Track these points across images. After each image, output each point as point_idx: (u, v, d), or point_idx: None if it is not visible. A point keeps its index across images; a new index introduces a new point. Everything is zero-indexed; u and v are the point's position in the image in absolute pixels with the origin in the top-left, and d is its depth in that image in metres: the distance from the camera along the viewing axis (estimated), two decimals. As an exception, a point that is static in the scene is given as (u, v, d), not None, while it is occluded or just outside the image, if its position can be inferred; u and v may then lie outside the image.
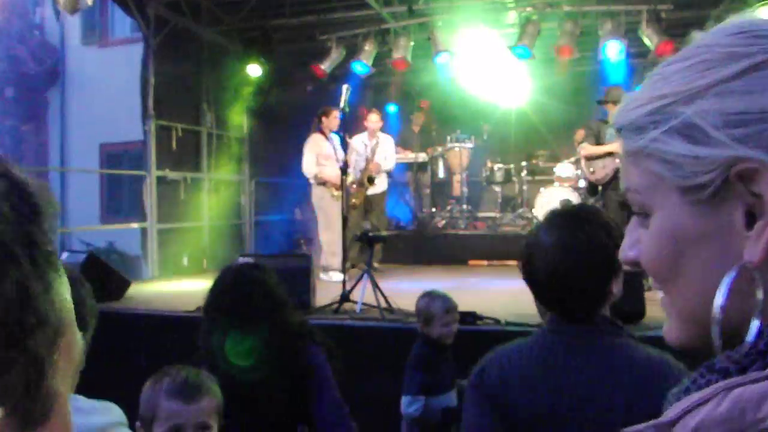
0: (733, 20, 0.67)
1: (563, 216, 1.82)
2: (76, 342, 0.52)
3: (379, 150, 8.57)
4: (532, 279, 1.79)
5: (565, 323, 1.75)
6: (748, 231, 0.61)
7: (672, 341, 0.72)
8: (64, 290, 0.50)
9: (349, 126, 7.25)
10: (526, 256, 1.80)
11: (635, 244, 0.72)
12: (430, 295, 3.77)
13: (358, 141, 8.63)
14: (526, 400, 1.71)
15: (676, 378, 1.58)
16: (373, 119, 8.76)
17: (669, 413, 0.57)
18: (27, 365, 0.45)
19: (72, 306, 0.51)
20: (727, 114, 0.61)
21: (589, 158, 7.01)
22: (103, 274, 6.21)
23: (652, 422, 0.58)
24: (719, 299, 0.62)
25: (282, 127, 10.68)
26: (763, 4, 8.14)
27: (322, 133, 8.04)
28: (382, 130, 9.05)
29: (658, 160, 0.65)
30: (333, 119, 8.08)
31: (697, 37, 0.69)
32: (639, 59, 10.37)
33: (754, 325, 0.61)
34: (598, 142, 6.90)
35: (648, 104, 0.66)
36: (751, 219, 0.61)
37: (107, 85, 14.41)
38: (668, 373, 1.64)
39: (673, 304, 0.69)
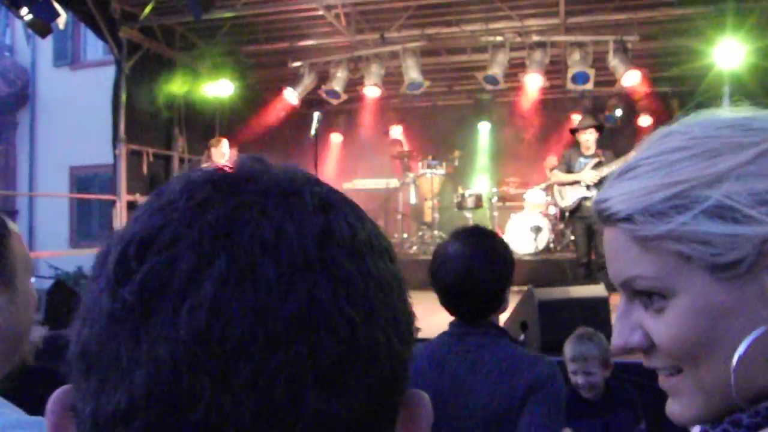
0: (713, 116, 0.75)
1: (467, 232, 2.15)
2: None
3: None
4: (439, 285, 2.08)
5: (459, 326, 2.07)
6: None
7: (689, 418, 0.75)
8: None
9: (319, 153, 7.29)
10: (434, 265, 2.09)
11: (636, 328, 0.74)
12: (574, 336, 3.28)
13: None
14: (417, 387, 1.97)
15: (534, 368, 1.96)
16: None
17: None
18: None
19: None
20: (755, 194, 0.67)
21: (558, 185, 7.21)
22: (71, 301, 6.14)
23: None
24: (740, 350, 0.67)
25: (254, 152, 10.63)
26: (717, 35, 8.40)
27: (214, 163, 8.12)
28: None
29: (688, 241, 0.69)
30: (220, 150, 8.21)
31: (670, 131, 0.75)
32: (606, 88, 10.57)
33: None
34: (569, 170, 7.07)
35: (661, 191, 0.70)
36: None
37: (78, 107, 14.32)
38: (529, 366, 1.98)
39: (698, 382, 0.72)
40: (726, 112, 0.75)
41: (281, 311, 0.39)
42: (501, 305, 2.11)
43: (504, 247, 2.14)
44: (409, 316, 0.47)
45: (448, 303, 2.11)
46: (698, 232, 0.68)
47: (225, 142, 8.37)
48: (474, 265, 2.02)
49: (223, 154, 8.27)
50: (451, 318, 2.14)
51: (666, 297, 0.71)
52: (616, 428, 3.08)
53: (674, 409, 0.76)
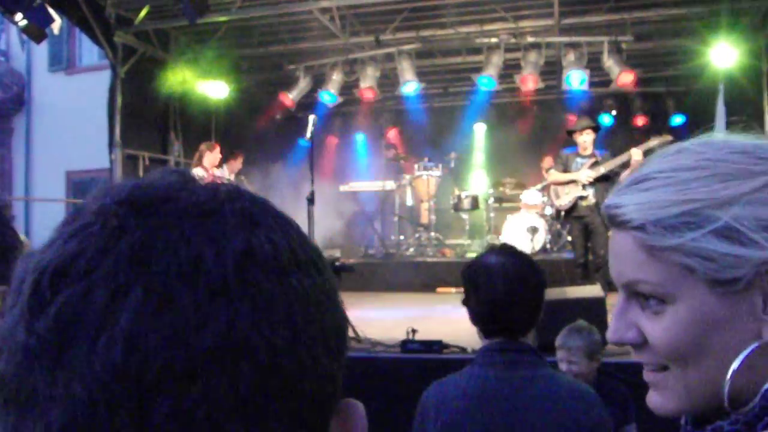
0: (726, 140, 0.80)
1: (503, 247, 2.10)
2: None
3: None
4: (485, 299, 1.98)
5: (496, 354, 1.96)
6: (766, 316, 0.74)
7: (668, 410, 0.81)
8: None
9: (316, 157, 7.30)
10: (477, 279, 2.00)
11: (631, 326, 0.81)
12: (567, 327, 3.46)
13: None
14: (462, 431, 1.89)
15: (595, 408, 1.90)
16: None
17: None
18: None
19: None
20: (760, 220, 0.73)
21: (555, 184, 7.23)
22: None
23: None
24: (735, 364, 0.73)
25: (250, 155, 10.70)
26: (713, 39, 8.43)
27: (204, 168, 8.32)
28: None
29: (694, 256, 0.75)
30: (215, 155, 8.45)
31: (683, 148, 0.81)
32: (601, 88, 10.60)
33: (763, 388, 0.73)
34: (566, 170, 7.09)
35: (675, 207, 0.76)
36: (765, 306, 0.74)
37: (74, 112, 14.31)
38: (590, 404, 1.90)
39: (683, 380, 0.78)
40: (736, 137, 0.80)
41: (199, 342, 0.38)
42: (537, 318, 2.03)
43: (533, 261, 2.10)
44: (339, 327, 0.47)
45: (493, 318, 1.99)
46: (705, 249, 0.74)
47: (218, 148, 8.42)
48: (524, 274, 1.97)
49: (216, 159, 8.32)
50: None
51: (665, 302, 0.77)
52: None
53: (655, 400, 0.82)
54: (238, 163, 9.31)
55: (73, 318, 0.38)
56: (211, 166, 8.26)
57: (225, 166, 9.00)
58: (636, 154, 6.50)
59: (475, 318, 2.04)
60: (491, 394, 1.90)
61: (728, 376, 0.73)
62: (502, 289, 1.94)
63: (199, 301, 0.39)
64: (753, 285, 0.73)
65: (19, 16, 7.31)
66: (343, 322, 0.48)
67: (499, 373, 1.93)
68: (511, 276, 1.95)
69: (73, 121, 14.35)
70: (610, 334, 0.83)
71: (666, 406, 0.81)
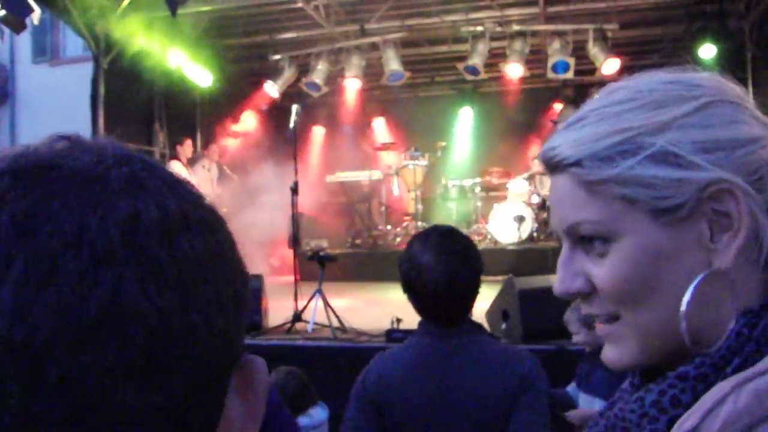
0: (655, 74, 0.78)
1: (438, 234, 2.08)
2: None
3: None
4: (417, 295, 2.04)
5: (434, 327, 2.04)
6: (713, 244, 0.70)
7: (625, 363, 0.77)
8: None
9: (301, 147, 7.25)
10: (410, 274, 2.03)
11: (578, 275, 0.76)
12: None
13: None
14: (402, 398, 1.99)
15: (522, 363, 2.00)
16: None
17: (686, 423, 0.61)
18: None
19: None
20: (696, 142, 0.70)
21: (539, 173, 7.28)
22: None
23: None
24: (687, 296, 0.69)
25: (235, 146, 10.67)
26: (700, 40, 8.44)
27: (179, 160, 9.15)
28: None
29: (633, 185, 0.71)
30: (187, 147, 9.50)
31: (617, 87, 0.79)
32: (587, 76, 10.60)
33: (729, 327, 0.69)
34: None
35: (609, 137, 0.73)
36: (712, 233, 0.70)
37: (58, 104, 14.22)
38: (517, 360, 2.03)
39: (637, 326, 0.74)
40: (668, 70, 0.78)
41: (85, 310, 0.38)
42: (475, 299, 2.09)
43: (469, 240, 2.12)
44: (236, 287, 0.46)
45: (427, 310, 2.07)
46: (643, 176, 0.71)
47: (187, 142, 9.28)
48: (454, 272, 1.99)
49: (189, 150, 9.04)
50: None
51: (609, 241, 0.73)
52: (594, 379, 3.26)
53: (609, 354, 0.78)
54: (186, 149, 9.71)
55: None
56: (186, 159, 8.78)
57: (205, 158, 9.39)
58: None
59: (415, 307, 2.11)
60: (424, 364, 2.01)
61: (683, 308, 0.69)
62: (433, 288, 1.99)
63: (83, 269, 0.39)
64: (697, 212, 0.70)
65: (-3, 7, 7.22)
66: (240, 281, 0.47)
67: (433, 342, 2.04)
68: (440, 278, 1.98)
69: (58, 112, 14.24)
70: (556, 287, 0.78)
71: (621, 360, 0.77)
